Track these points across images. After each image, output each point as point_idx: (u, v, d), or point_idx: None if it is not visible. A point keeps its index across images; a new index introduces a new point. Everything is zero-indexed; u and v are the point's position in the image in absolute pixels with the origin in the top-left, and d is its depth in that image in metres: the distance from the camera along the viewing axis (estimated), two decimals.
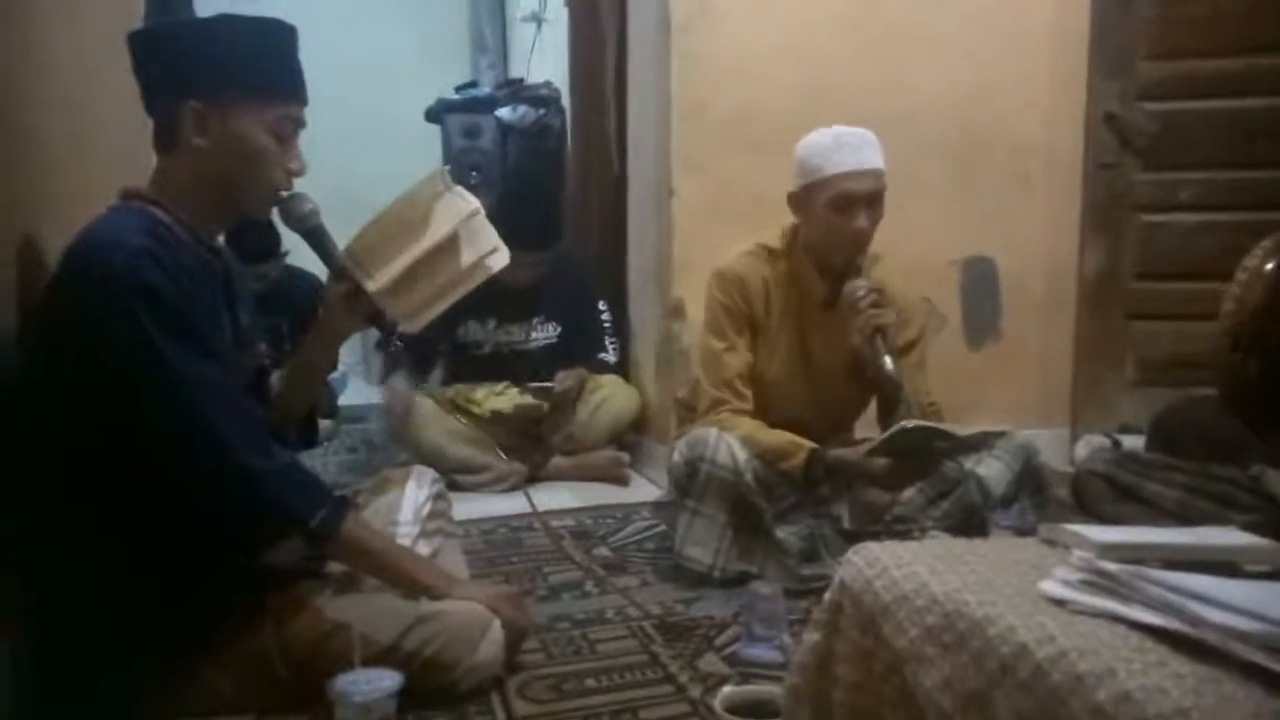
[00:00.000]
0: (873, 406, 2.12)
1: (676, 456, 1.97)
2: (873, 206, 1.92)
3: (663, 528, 2.25)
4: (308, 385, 1.61)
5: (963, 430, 1.94)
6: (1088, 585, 0.85)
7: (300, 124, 1.42)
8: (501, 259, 1.61)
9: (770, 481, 1.94)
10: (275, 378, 1.59)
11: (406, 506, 1.70)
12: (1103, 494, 1.96)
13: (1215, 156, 2.79)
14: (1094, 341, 2.93)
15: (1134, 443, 2.43)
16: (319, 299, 1.56)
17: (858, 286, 1.92)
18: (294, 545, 1.37)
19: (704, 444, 1.92)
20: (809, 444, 1.94)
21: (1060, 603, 0.84)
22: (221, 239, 1.53)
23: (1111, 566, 0.85)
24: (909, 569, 0.95)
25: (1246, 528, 1.16)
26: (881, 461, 1.89)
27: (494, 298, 2.72)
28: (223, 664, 1.37)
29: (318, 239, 1.49)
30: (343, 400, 3.73)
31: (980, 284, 2.90)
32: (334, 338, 1.58)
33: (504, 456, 2.74)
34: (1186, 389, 2.53)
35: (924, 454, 1.91)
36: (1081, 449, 2.61)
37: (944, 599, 0.88)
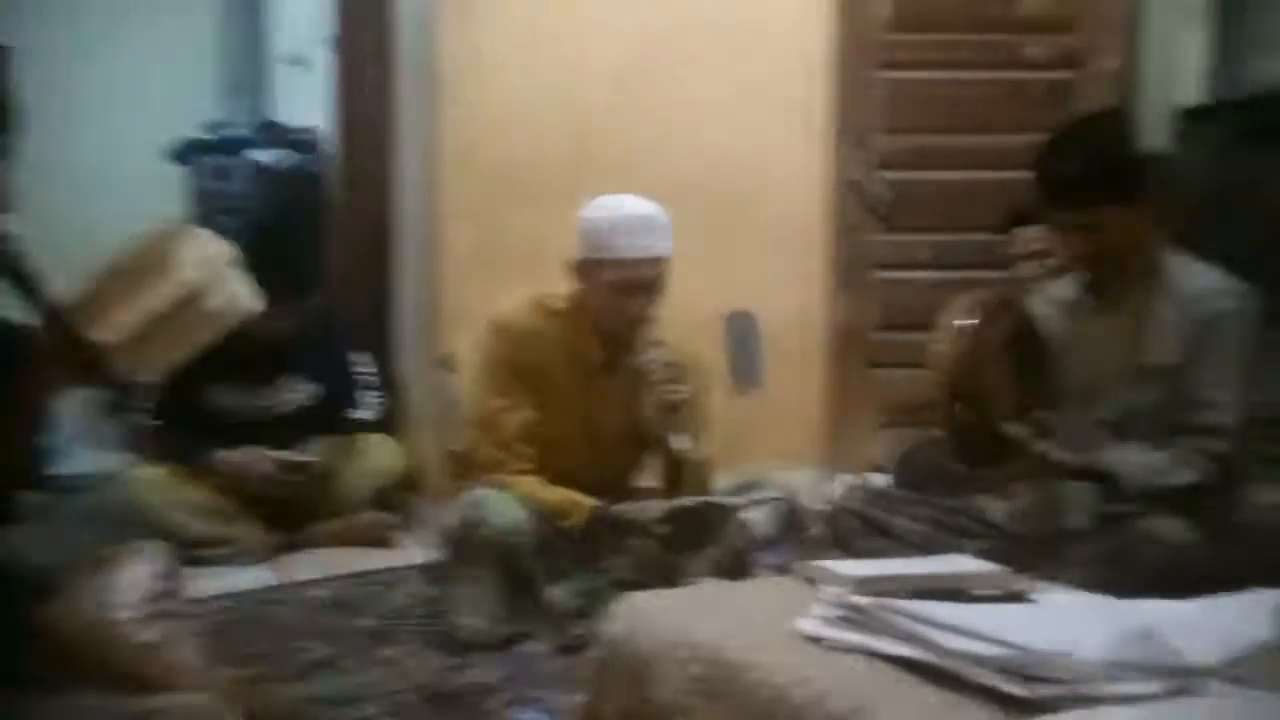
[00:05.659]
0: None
1: (451, 519, 1.90)
2: (655, 290, 1.93)
3: (433, 592, 2.14)
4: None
5: (736, 500, 2.01)
6: (841, 621, 0.87)
7: (3, 151, 1.24)
8: (250, 305, 1.48)
9: (548, 540, 1.90)
10: None
11: (127, 587, 1.48)
12: (856, 530, 2.07)
13: (943, 221, 3.11)
14: (844, 388, 3.15)
15: (883, 481, 2.61)
16: (20, 347, 1.35)
17: (653, 361, 1.91)
18: None
19: (480, 505, 1.86)
20: (590, 501, 1.93)
21: (817, 640, 0.86)
22: None
23: (861, 600, 0.88)
24: (672, 619, 0.93)
25: (978, 555, 1.26)
26: (663, 529, 1.91)
27: (242, 358, 2.51)
28: None
29: (23, 278, 1.29)
30: (62, 469, 3.30)
31: (744, 336, 3.04)
32: (39, 391, 1.37)
33: (253, 527, 2.51)
34: (926, 429, 2.77)
35: (703, 524, 1.94)
36: (837, 488, 2.76)
37: (706, 647, 0.88)
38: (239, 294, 1.47)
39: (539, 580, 1.87)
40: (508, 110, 2.66)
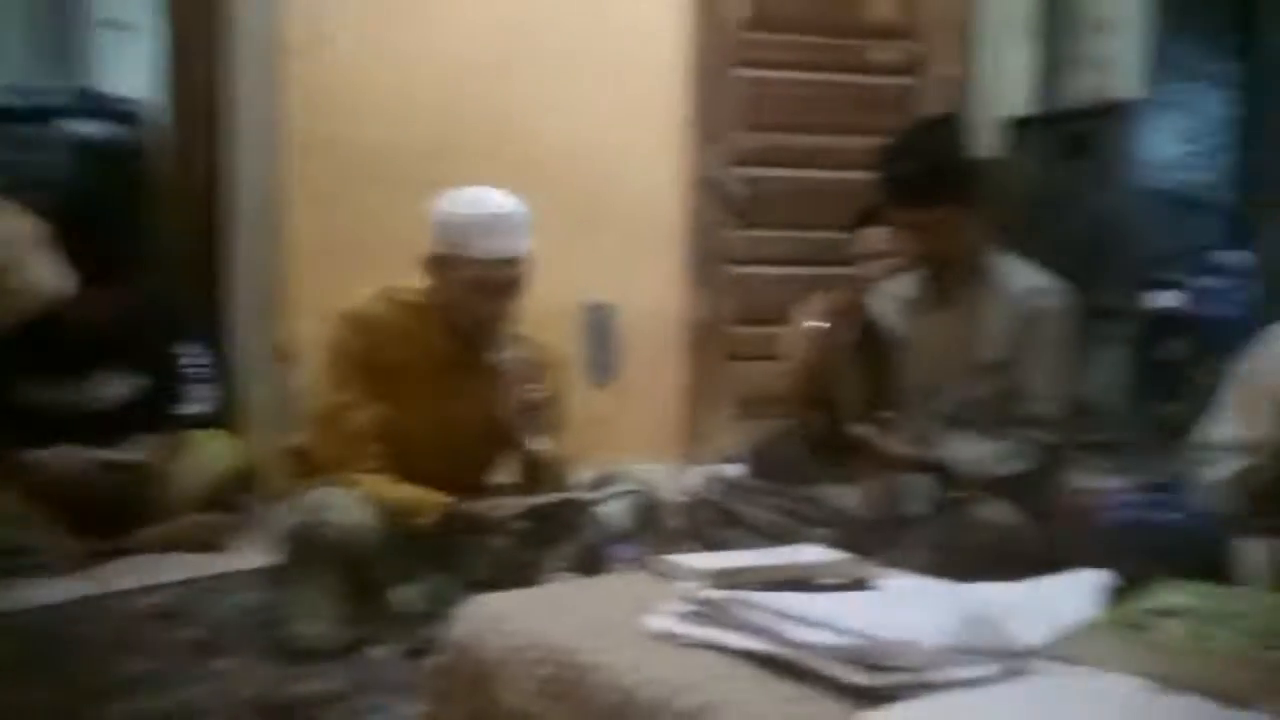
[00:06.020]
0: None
1: (289, 519, 1.81)
2: (513, 289, 1.89)
3: (270, 597, 2.02)
4: None
5: (592, 495, 1.99)
6: (691, 616, 0.86)
7: None
8: (60, 288, 1.35)
9: (397, 540, 1.84)
10: None
11: None
12: (712, 520, 2.11)
13: (795, 218, 3.20)
14: (701, 380, 3.20)
15: (738, 472, 2.66)
16: None
17: (509, 359, 1.88)
18: None
19: (322, 505, 1.78)
20: (441, 498, 1.87)
21: (668, 636, 0.85)
22: None
23: (711, 594, 0.87)
24: (522, 620, 0.90)
25: (828, 543, 1.29)
26: (519, 526, 1.88)
27: (54, 347, 2.29)
28: None
29: None
30: None
31: (602, 328, 3.04)
32: None
33: (62, 534, 2.30)
34: (780, 420, 2.84)
35: (559, 520, 1.91)
36: (694, 479, 2.80)
37: (556, 647, 0.85)
38: (46, 275, 1.34)
39: (386, 582, 1.80)
40: (359, 92, 2.57)
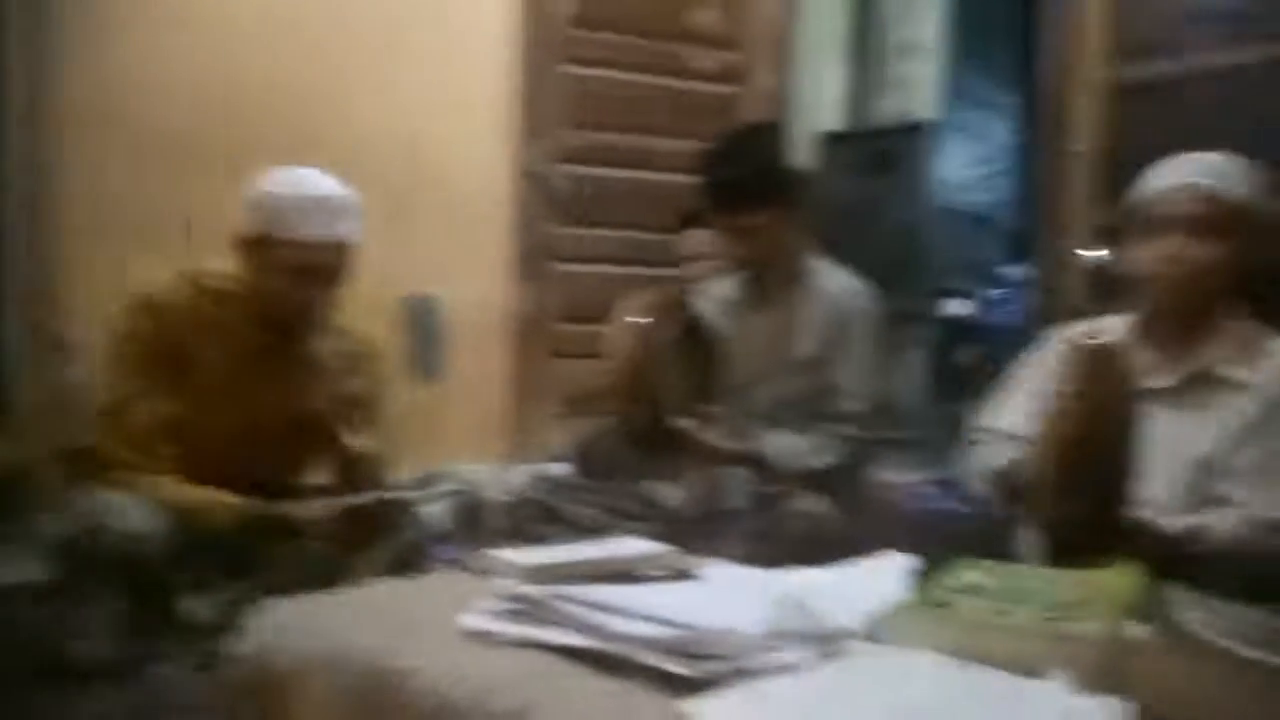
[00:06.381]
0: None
1: (63, 528, 1.63)
2: (334, 276, 1.78)
3: (39, 614, 1.81)
4: None
5: (411, 494, 1.92)
6: (509, 613, 0.83)
7: None
8: None
9: (187, 546, 1.69)
10: None
11: None
12: (536, 518, 2.09)
13: (620, 217, 3.22)
14: (526, 378, 3.15)
15: (563, 470, 2.65)
16: None
17: (326, 351, 1.79)
18: None
19: (100, 511, 1.61)
20: (238, 501, 1.74)
21: (485, 635, 0.81)
22: None
23: (529, 590, 0.84)
24: (324, 625, 0.83)
25: (650, 537, 1.29)
26: (331, 528, 1.78)
27: None
28: None
29: None
30: None
31: (426, 322, 2.94)
32: None
33: None
34: (604, 418, 2.85)
35: (376, 521, 1.83)
36: (518, 478, 2.76)
37: (363, 653, 0.79)
38: None
39: (174, 593, 1.66)
40: (151, 63, 2.37)
